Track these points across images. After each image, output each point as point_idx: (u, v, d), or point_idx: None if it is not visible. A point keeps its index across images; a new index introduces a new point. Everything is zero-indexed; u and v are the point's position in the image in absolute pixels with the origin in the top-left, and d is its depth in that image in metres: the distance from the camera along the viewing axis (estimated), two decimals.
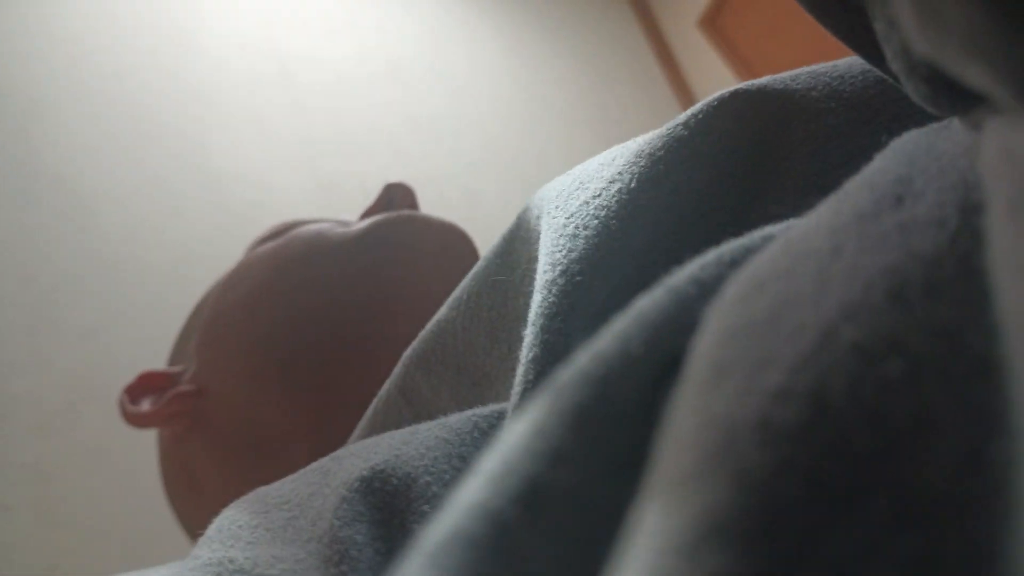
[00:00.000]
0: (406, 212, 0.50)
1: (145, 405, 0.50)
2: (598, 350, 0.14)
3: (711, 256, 0.16)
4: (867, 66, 0.25)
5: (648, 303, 0.15)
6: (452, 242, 0.50)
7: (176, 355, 0.55)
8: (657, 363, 0.14)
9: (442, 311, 0.34)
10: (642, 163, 0.26)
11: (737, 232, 0.18)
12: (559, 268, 0.24)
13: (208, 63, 1.75)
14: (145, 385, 0.51)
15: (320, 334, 0.45)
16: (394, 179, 0.57)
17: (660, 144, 0.26)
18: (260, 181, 1.69)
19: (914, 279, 0.11)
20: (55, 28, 1.58)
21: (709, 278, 0.15)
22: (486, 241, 1.97)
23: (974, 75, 0.12)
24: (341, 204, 1.76)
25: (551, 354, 0.22)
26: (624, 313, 0.15)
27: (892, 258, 0.11)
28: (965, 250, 0.11)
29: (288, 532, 0.26)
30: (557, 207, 0.28)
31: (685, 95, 2.46)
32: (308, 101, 1.84)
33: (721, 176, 0.25)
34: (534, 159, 2.12)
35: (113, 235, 1.46)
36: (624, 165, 0.27)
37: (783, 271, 0.13)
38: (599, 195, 0.26)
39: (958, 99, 0.15)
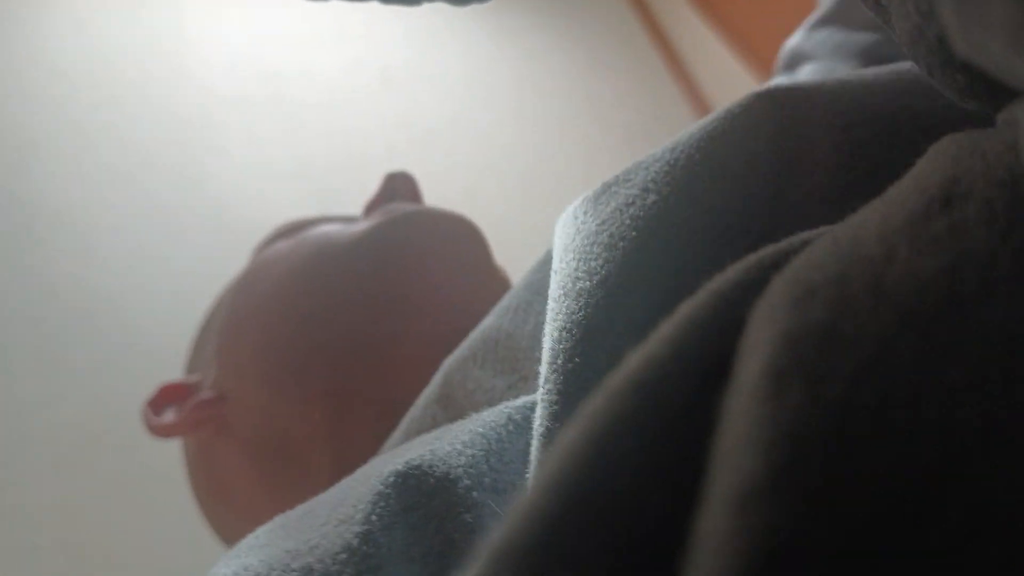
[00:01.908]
0: (410, 208, 0.50)
1: (169, 416, 0.50)
2: (648, 354, 0.14)
3: (751, 259, 0.15)
4: (893, 75, 0.26)
5: (693, 307, 0.15)
6: (459, 234, 0.50)
7: (193, 363, 0.55)
8: (706, 366, 0.13)
9: (488, 319, 0.34)
10: (677, 175, 0.25)
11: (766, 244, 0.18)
12: (596, 278, 0.23)
13: (198, 87, 1.75)
14: (166, 397, 0.51)
15: (332, 337, 0.45)
16: (395, 168, 0.57)
17: (690, 157, 0.26)
18: (259, 201, 1.68)
19: (969, 280, 0.11)
20: (45, 63, 1.57)
21: (751, 281, 0.15)
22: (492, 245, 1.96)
23: (1020, 72, 0.12)
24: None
25: (590, 367, 0.22)
26: (670, 318, 0.15)
27: (946, 260, 0.11)
28: (1018, 245, 0.11)
29: (304, 521, 0.26)
30: (585, 211, 0.27)
31: (683, 77, 2.44)
32: (302, 117, 1.83)
33: (748, 192, 0.25)
34: (534, 157, 2.10)
35: (115, 266, 1.46)
36: (658, 174, 0.26)
37: (836, 276, 0.12)
38: (632, 203, 0.25)
39: (994, 94, 0.15)
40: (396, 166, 1.87)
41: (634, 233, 0.24)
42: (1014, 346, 0.10)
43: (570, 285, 0.24)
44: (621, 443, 0.12)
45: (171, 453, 1.30)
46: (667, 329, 0.14)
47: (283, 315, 0.47)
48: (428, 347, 0.44)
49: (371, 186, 1.83)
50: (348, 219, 0.55)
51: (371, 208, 0.54)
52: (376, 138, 1.90)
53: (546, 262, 0.34)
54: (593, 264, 0.24)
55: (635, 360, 0.14)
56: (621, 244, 0.24)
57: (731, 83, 2.19)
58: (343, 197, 1.78)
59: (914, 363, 0.10)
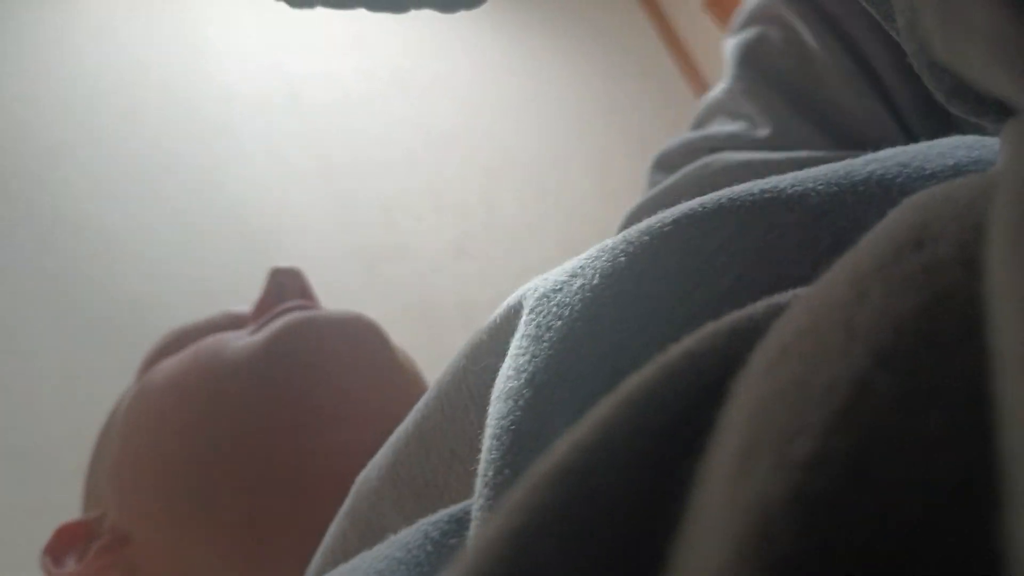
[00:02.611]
0: (303, 316, 0.46)
1: (70, 564, 0.46)
2: (584, 439, 0.12)
3: (723, 326, 0.14)
4: (849, 174, 0.23)
5: (647, 379, 0.13)
6: (359, 335, 0.47)
7: (90, 498, 0.51)
8: (667, 447, 0.12)
9: (402, 424, 0.31)
10: (607, 257, 0.23)
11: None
12: (524, 376, 0.21)
13: (217, 93, 1.76)
14: (66, 541, 0.47)
15: (240, 462, 0.42)
16: (282, 263, 0.52)
17: (624, 240, 0.24)
18: (278, 206, 1.70)
19: (948, 319, 0.10)
20: (68, 71, 1.59)
21: (729, 350, 0.14)
22: (502, 243, 1.97)
23: (998, 81, 0.12)
24: (360, 221, 1.76)
25: (518, 474, 0.19)
26: (611, 399, 0.13)
27: (922, 299, 0.11)
28: None
29: None
30: (523, 301, 0.24)
31: (697, 82, 2.43)
32: (319, 121, 1.84)
33: (690, 273, 0.23)
34: (549, 160, 2.11)
35: (137, 272, 1.47)
36: (587, 259, 0.24)
37: (807, 329, 0.12)
38: (560, 289, 0.23)
39: (978, 101, 0.14)
40: (412, 167, 1.88)
41: (559, 322, 0.22)
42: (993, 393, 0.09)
43: (501, 386, 0.22)
44: (555, 538, 0.11)
45: None
46: (611, 409, 0.13)
47: (182, 443, 0.43)
48: (346, 459, 0.40)
49: (388, 188, 1.84)
50: (234, 319, 0.52)
51: (260, 310, 0.50)
52: (392, 140, 1.91)
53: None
54: (521, 360, 0.22)
55: (565, 445, 0.12)
56: (547, 335, 0.22)
57: None
58: (360, 198, 1.79)
59: (891, 408, 0.09)
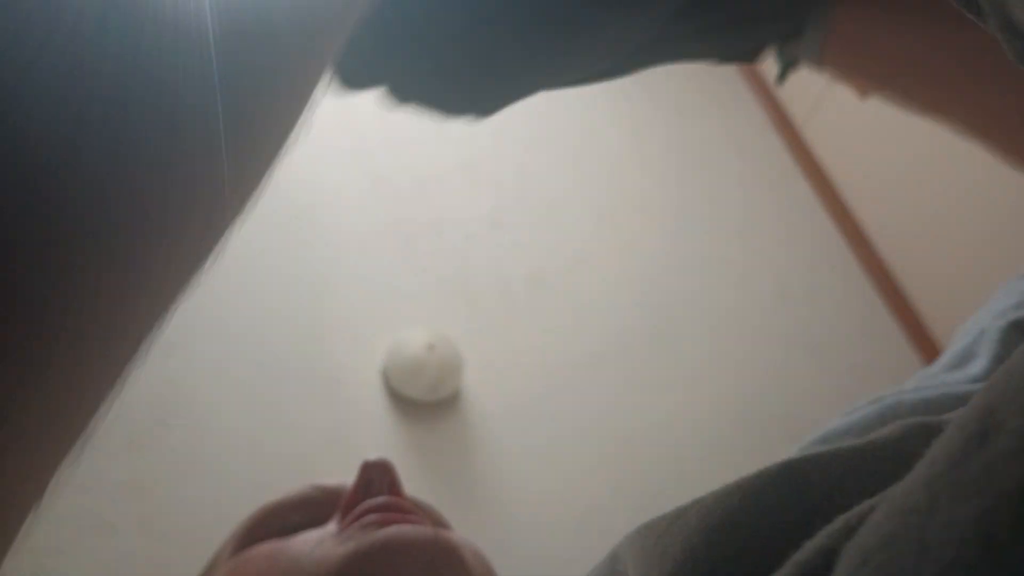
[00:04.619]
0: (386, 537, 0.49)
1: None
2: None
3: (820, 540, 0.16)
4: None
5: None
6: (438, 563, 0.49)
7: None
8: None
9: None
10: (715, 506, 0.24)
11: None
12: None
13: None
14: None
15: None
16: (372, 456, 0.54)
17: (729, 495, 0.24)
18: (314, 183, 1.71)
19: (1002, 523, 0.11)
20: None
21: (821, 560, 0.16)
22: (537, 215, 1.95)
23: None
24: (395, 196, 1.76)
25: None
26: None
27: (982, 503, 0.12)
28: None
29: None
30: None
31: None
32: (353, 99, 1.84)
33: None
34: (583, 131, 2.09)
35: None
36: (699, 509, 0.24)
37: (886, 538, 0.13)
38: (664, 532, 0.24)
39: None
40: (446, 142, 1.87)
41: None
42: None
43: None
44: None
45: (236, 430, 1.35)
46: None
47: None
48: None
49: (423, 164, 1.84)
50: (324, 499, 0.55)
51: (349, 505, 0.53)
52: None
53: None
54: None
55: None
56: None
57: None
58: (396, 175, 1.79)
59: None
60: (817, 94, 2.20)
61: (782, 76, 0.45)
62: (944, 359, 0.48)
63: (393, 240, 1.72)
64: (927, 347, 1.91)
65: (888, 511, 0.14)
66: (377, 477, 0.54)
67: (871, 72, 0.44)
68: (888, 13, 0.41)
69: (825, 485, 0.20)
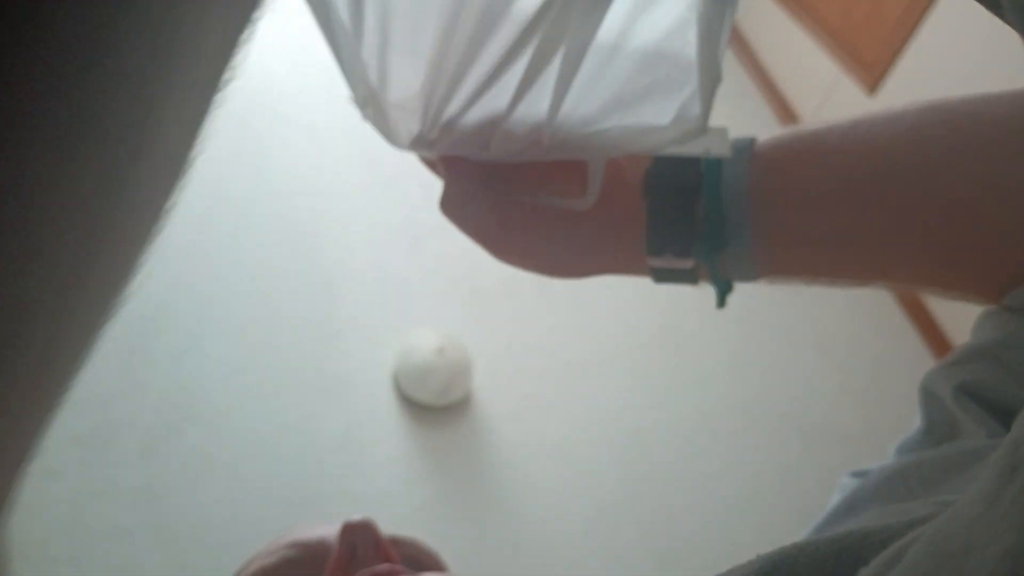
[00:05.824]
0: None
1: None
2: None
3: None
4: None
5: None
6: None
7: None
8: None
9: None
10: None
11: None
12: None
13: (260, 80, 1.78)
14: None
15: None
16: (353, 517, 0.52)
17: None
18: (322, 189, 1.71)
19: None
20: None
21: None
22: None
23: None
24: (402, 200, 1.77)
25: None
26: None
27: (1010, 540, 0.12)
28: None
29: None
30: None
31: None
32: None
33: None
34: None
35: (185, 257, 1.50)
36: None
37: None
38: None
39: None
40: None
41: None
42: None
43: None
44: None
45: (248, 435, 1.35)
46: None
47: None
48: None
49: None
50: (311, 557, 0.55)
51: (333, 571, 0.53)
52: None
53: None
54: None
55: None
56: None
57: None
58: (400, 177, 1.80)
59: None
60: (824, 90, 2.19)
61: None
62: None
63: (402, 242, 1.72)
64: (939, 343, 1.90)
65: (926, 550, 0.15)
66: (360, 540, 0.53)
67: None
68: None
69: None
